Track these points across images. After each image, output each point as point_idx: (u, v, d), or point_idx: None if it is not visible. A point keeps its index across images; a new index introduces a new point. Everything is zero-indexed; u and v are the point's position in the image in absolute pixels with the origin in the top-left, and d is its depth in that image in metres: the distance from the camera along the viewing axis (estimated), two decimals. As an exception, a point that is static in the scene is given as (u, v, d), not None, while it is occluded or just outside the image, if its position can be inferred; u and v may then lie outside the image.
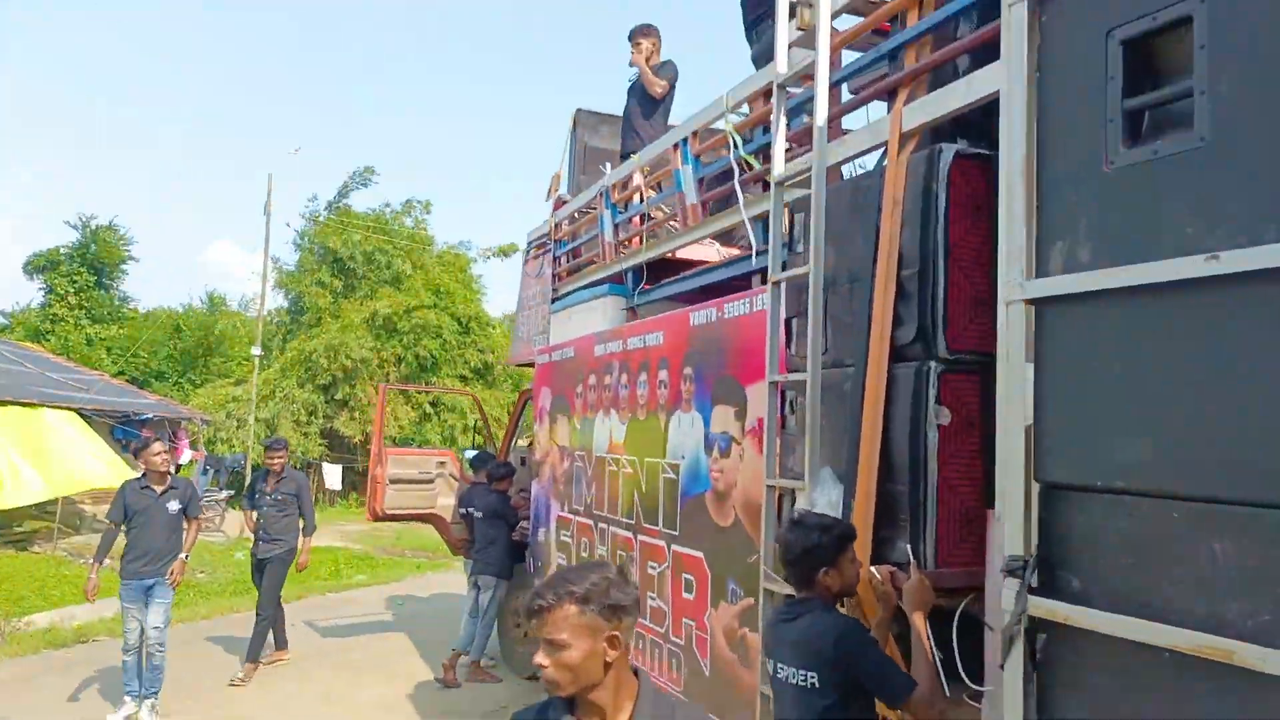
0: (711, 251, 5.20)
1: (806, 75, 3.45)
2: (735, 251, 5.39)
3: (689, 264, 5.30)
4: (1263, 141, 1.40)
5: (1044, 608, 1.65)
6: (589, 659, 1.64)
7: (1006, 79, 1.82)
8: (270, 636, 7.30)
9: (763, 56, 4.31)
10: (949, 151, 2.90)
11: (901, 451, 2.91)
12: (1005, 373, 1.79)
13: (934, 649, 2.62)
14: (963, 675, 2.82)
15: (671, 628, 4.39)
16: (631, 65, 6.13)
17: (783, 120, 3.54)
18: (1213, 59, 1.47)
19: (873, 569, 2.83)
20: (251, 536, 7.44)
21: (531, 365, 8.20)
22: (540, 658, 1.67)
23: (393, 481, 7.42)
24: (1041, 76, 1.75)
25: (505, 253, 26.93)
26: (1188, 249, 1.47)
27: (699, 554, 4.19)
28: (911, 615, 2.64)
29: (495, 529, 7.06)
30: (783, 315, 3.53)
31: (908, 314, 2.96)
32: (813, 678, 2.49)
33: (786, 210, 3.60)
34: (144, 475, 6.21)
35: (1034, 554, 1.69)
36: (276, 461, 7.32)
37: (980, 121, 2.99)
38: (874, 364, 3.03)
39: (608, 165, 5.97)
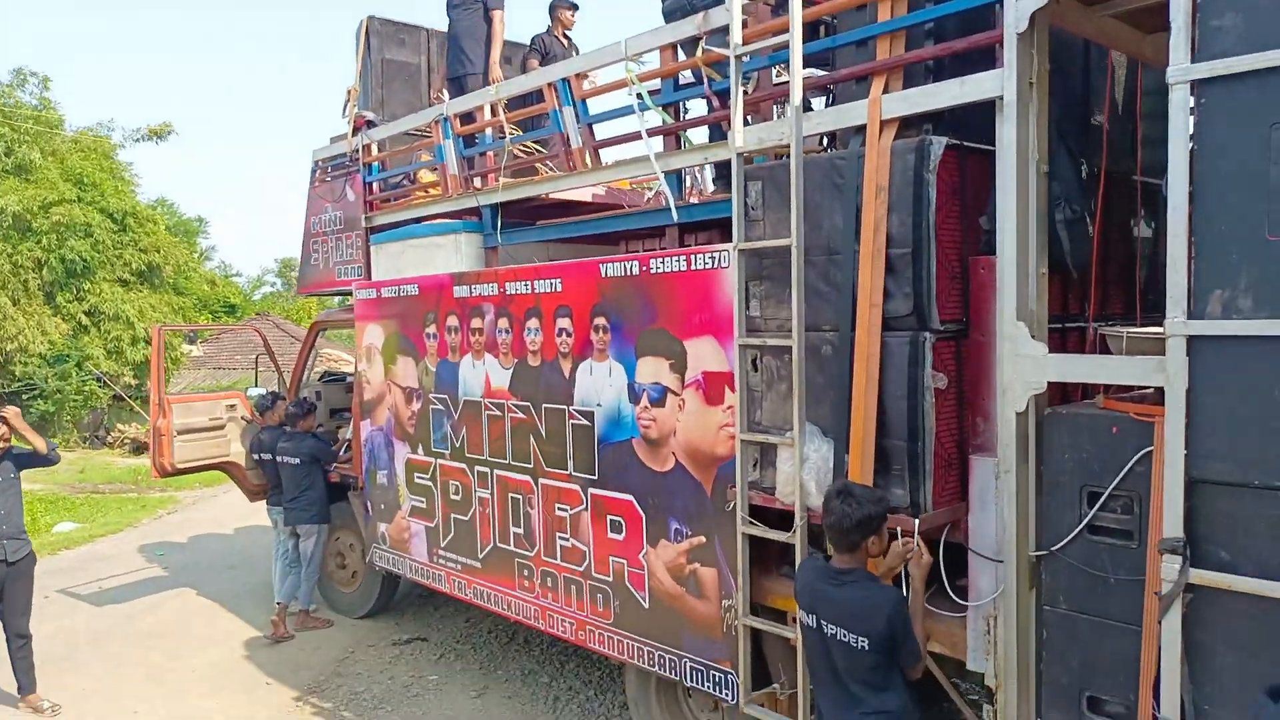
0: (585, 194, 5.18)
1: (767, 46, 3.58)
2: (601, 191, 5.43)
3: (557, 204, 5.24)
4: None
5: (1202, 577, 2.14)
6: None
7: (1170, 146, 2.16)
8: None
9: (677, 11, 4.30)
10: (939, 145, 3.22)
11: (899, 411, 3.31)
12: (1172, 400, 2.20)
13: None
14: (950, 592, 3.40)
15: (594, 566, 4.60)
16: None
17: (740, 91, 3.64)
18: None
19: (902, 539, 3.17)
20: None
21: (324, 295, 7.63)
22: None
23: (180, 432, 6.61)
24: (1201, 150, 2.12)
25: (158, 134, 23.56)
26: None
27: (627, 497, 4.40)
28: (917, 588, 3.07)
29: (312, 474, 6.64)
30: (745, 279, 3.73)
31: (897, 289, 3.31)
32: (864, 642, 2.86)
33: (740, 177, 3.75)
34: None
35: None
36: None
37: (943, 112, 3.35)
38: (865, 332, 3.37)
39: (445, 92, 5.60)
